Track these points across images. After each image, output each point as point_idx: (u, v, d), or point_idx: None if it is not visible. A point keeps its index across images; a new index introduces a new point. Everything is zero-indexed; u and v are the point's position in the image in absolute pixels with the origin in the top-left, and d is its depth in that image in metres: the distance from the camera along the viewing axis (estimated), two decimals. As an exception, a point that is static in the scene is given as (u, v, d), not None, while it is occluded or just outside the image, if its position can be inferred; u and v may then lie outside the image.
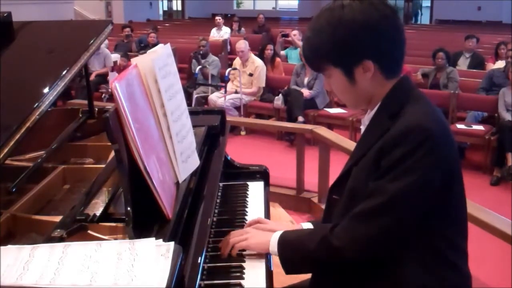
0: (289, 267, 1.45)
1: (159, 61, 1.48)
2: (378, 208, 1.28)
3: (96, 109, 2.33)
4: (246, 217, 1.81)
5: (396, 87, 1.37)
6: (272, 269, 1.54)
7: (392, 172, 1.26)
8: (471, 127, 5.55)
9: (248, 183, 2.12)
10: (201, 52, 7.43)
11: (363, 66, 1.33)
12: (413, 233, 1.31)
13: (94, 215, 1.41)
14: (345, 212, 1.37)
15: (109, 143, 1.26)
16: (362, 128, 1.48)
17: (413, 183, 1.25)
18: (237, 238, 1.52)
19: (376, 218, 1.28)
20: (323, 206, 4.65)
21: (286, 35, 9.04)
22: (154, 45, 7.14)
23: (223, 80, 6.99)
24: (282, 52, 8.60)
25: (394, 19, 1.34)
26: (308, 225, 1.64)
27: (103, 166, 1.79)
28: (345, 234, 1.33)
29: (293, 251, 1.44)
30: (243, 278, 1.45)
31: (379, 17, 1.31)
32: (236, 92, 6.89)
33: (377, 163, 1.29)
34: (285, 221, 3.98)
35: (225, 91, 6.83)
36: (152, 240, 1.15)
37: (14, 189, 1.59)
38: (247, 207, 1.90)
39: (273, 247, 1.46)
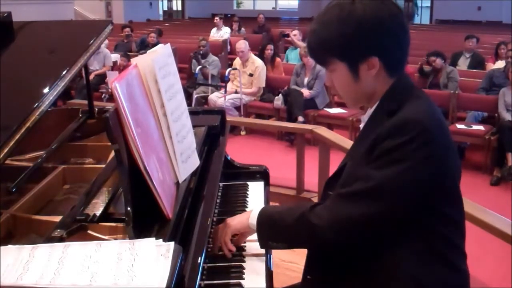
0: (265, 241, 1.46)
1: (159, 61, 1.48)
2: (363, 192, 1.27)
3: (96, 109, 2.33)
4: (246, 217, 1.80)
5: (396, 85, 1.37)
6: (272, 269, 1.54)
7: (380, 160, 1.26)
8: (471, 127, 5.55)
9: (248, 183, 2.12)
10: (201, 52, 7.44)
11: (369, 62, 1.33)
12: (400, 227, 1.30)
13: (94, 215, 1.41)
14: None
15: (109, 143, 1.26)
16: (362, 126, 1.47)
17: (401, 173, 1.24)
18: (221, 231, 1.53)
19: (359, 201, 1.28)
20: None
21: (287, 35, 9.04)
22: (154, 45, 7.14)
23: (223, 80, 6.99)
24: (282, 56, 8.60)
25: (402, 18, 1.35)
26: None
27: (103, 166, 1.79)
28: (325, 213, 1.33)
29: (270, 225, 1.45)
30: (243, 278, 1.45)
31: (388, 15, 1.31)
32: (236, 92, 6.89)
33: (370, 152, 1.29)
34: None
35: (225, 91, 6.83)
36: (152, 240, 1.15)
37: (14, 189, 1.59)
38: (247, 207, 1.90)
39: (253, 219, 1.47)
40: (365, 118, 1.44)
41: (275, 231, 1.44)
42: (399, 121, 1.27)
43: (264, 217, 1.47)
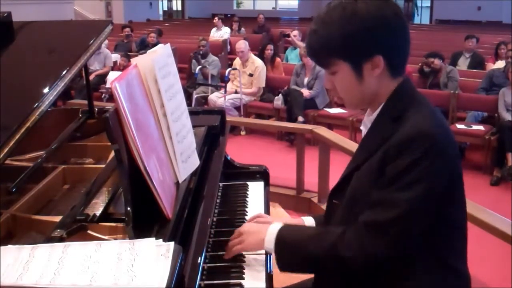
0: (286, 267, 1.43)
1: (159, 61, 1.48)
2: (392, 221, 1.26)
3: (96, 109, 2.33)
4: (246, 217, 1.81)
5: (398, 90, 1.36)
6: (272, 269, 1.53)
7: (400, 181, 1.24)
8: (471, 127, 5.55)
9: (248, 183, 2.11)
10: (201, 52, 7.44)
11: (373, 62, 1.31)
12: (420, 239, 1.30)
13: (94, 215, 1.41)
14: (347, 217, 1.36)
15: (109, 143, 1.26)
16: (363, 129, 1.46)
17: (423, 192, 1.24)
18: (235, 241, 1.50)
19: (390, 231, 1.26)
20: (323, 206, 4.62)
21: (287, 35, 9.05)
22: (154, 45, 7.14)
23: (223, 80, 6.99)
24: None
25: (403, 17, 1.35)
26: (310, 220, 1.62)
27: (103, 166, 1.79)
28: (357, 245, 1.29)
29: (292, 253, 1.41)
30: (243, 278, 1.45)
31: (391, 14, 1.31)
32: (236, 92, 6.89)
33: (381, 169, 1.28)
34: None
35: (225, 91, 6.83)
36: (152, 240, 1.15)
37: (14, 189, 1.59)
38: (247, 207, 1.90)
39: (269, 243, 1.43)
40: (366, 122, 1.42)
41: (297, 259, 1.40)
42: (408, 134, 1.25)
43: (283, 244, 1.42)
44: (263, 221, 1.61)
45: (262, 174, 2.18)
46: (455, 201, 1.35)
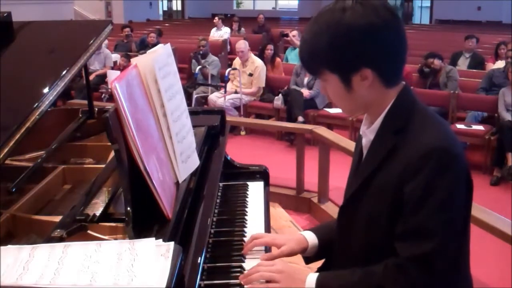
0: None
1: (159, 61, 1.48)
2: (433, 249, 1.22)
3: (96, 109, 2.33)
4: (246, 217, 1.81)
5: (398, 101, 1.31)
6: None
7: (427, 205, 1.21)
8: (471, 127, 5.56)
9: (248, 183, 2.11)
10: (201, 52, 7.44)
11: (361, 74, 1.26)
12: None
13: (94, 215, 1.41)
14: (367, 238, 1.34)
15: (109, 143, 1.26)
16: (364, 139, 1.40)
17: (453, 213, 1.24)
18: (274, 276, 1.37)
19: (434, 260, 1.24)
20: (323, 207, 4.61)
21: (286, 35, 9.05)
22: (154, 45, 7.14)
23: (223, 80, 7.00)
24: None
25: (397, 25, 1.27)
26: (310, 234, 1.55)
27: (103, 166, 1.79)
28: (405, 281, 1.25)
29: None
30: (243, 278, 1.45)
31: (381, 24, 1.23)
32: (236, 92, 6.89)
33: (398, 188, 1.25)
34: (285, 221, 3.98)
35: (225, 91, 6.83)
36: (152, 240, 1.15)
37: (14, 189, 1.59)
38: (247, 207, 1.90)
39: None
40: (367, 133, 1.37)
41: None
42: (425, 152, 1.21)
43: None
44: (264, 242, 1.54)
45: (262, 174, 2.19)
46: (470, 207, 1.35)
